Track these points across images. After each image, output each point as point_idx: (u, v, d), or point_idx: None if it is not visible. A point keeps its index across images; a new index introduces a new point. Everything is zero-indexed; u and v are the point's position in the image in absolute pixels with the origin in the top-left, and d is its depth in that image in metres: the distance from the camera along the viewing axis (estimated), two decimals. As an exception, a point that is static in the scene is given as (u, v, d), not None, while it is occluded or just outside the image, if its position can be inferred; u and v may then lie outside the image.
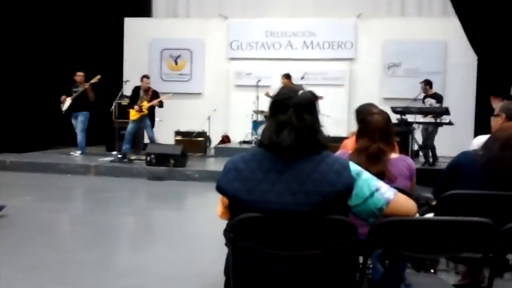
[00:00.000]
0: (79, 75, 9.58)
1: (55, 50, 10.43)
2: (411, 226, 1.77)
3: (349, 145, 3.39)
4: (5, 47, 9.94)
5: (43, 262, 3.87)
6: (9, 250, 4.19)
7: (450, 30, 10.34)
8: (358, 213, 1.72)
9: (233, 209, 1.75)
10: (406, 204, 1.76)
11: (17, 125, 9.96)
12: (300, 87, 1.85)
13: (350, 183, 1.65)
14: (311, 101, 1.78)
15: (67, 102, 9.46)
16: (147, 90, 9.21)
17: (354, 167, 1.72)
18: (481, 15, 8.95)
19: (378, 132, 2.56)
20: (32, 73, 10.22)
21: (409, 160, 2.68)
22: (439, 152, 8.67)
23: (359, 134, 2.64)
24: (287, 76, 9.56)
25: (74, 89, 9.50)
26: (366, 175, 1.73)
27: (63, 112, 9.52)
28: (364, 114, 2.78)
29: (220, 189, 1.74)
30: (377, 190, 1.71)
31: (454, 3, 9.36)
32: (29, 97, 10.16)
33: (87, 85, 9.36)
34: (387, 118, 2.69)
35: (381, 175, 2.34)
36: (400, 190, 1.81)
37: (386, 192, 1.72)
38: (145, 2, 12.61)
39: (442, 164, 8.45)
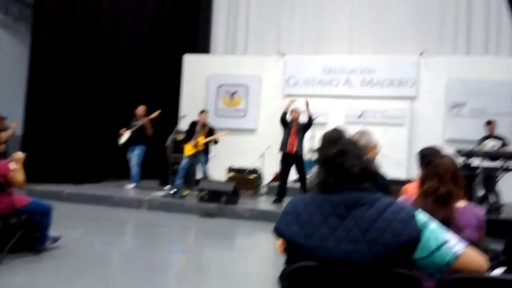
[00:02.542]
0: (140, 109, 9.79)
1: (116, 84, 10.76)
2: (481, 284, 1.62)
3: (411, 190, 3.20)
4: (68, 79, 10.39)
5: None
6: (61, 282, 4.21)
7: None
8: (424, 267, 1.58)
9: (290, 253, 1.66)
10: (476, 259, 1.60)
11: (75, 156, 10.25)
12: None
13: (416, 234, 1.55)
14: (355, 145, 1.81)
15: (126, 135, 9.66)
16: (204, 125, 9.22)
17: (420, 216, 1.59)
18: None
19: (448, 174, 2.40)
20: (92, 106, 10.57)
21: (478, 209, 2.47)
22: (507, 199, 8.04)
23: (426, 176, 2.47)
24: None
25: (133, 123, 9.71)
26: (433, 225, 1.59)
27: (120, 145, 9.69)
28: (432, 156, 2.62)
29: (278, 232, 1.69)
30: (445, 243, 1.57)
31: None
32: (88, 130, 10.46)
33: (146, 120, 9.54)
34: (456, 162, 2.55)
35: (447, 222, 2.18)
36: (470, 242, 1.70)
37: (455, 245, 1.58)
38: (205, 39, 12.91)
39: (511, 213, 7.82)
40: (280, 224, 1.69)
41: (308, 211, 1.66)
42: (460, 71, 10.55)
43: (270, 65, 11.89)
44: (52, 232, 5.19)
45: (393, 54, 11.16)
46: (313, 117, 8.63)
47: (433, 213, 2.21)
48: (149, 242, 6.14)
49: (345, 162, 1.68)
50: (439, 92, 10.67)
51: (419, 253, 1.56)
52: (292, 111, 8.71)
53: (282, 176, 8.75)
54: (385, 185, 3.01)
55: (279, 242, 1.75)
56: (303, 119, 8.73)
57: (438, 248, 1.56)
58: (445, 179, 2.38)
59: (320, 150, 1.81)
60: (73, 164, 10.18)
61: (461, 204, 2.41)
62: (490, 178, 7.84)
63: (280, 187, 8.73)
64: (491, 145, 8.13)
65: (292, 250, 1.66)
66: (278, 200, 8.61)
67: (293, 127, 8.59)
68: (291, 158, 8.52)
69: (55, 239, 5.26)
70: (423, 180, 2.48)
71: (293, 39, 12.30)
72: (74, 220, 7.16)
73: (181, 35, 12.19)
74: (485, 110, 10.15)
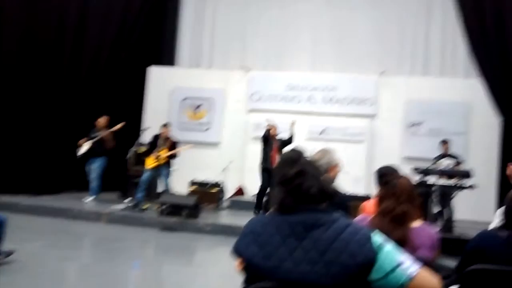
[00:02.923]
0: (102, 120, 9.61)
1: (79, 94, 10.54)
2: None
3: (369, 208, 3.27)
4: (28, 89, 10.15)
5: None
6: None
7: (474, 91, 10.21)
8: None
9: (248, 273, 1.68)
10: (430, 281, 1.65)
11: (33, 167, 9.98)
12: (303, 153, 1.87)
13: (372, 256, 1.58)
14: (314, 165, 1.84)
15: (85, 147, 9.45)
16: (166, 139, 9.17)
17: (376, 238, 1.63)
18: (505, 76, 8.83)
19: (405, 194, 2.48)
20: (53, 116, 10.34)
21: (432, 229, 2.57)
22: (461, 215, 8.33)
23: (384, 196, 2.55)
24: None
25: (94, 134, 9.53)
26: (389, 247, 1.63)
27: (79, 157, 9.49)
28: (390, 176, 2.71)
29: (236, 252, 1.71)
30: (400, 265, 1.61)
31: (478, 64, 9.28)
32: (47, 140, 10.21)
33: (108, 132, 9.39)
34: (413, 183, 2.64)
35: (402, 242, 2.26)
36: (425, 262, 1.77)
37: (409, 267, 1.61)
38: (170, 52, 12.86)
39: (464, 230, 8.10)
40: (239, 244, 1.71)
41: (267, 231, 1.67)
42: (418, 91, 10.93)
43: (234, 80, 11.97)
44: (6, 245, 5.02)
45: (354, 72, 11.45)
46: (294, 137, 9.11)
47: (389, 233, 2.29)
48: (107, 257, 6.04)
49: (304, 183, 1.70)
50: (398, 111, 11.00)
51: (374, 275, 1.59)
52: (272, 128, 9.01)
53: (262, 189, 8.85)
54: (345, 202, 3.09)
55: (237, 262, 1.76)
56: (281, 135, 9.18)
57: (393, 270, 1.59)
58: (402, 199, 2.45)
59: (279, 170, 1.80)
60: (31, 174, 9.90)
61: (416, 224, 2.49)
62: (445, 196, 8.12)
63: (259, 200, 8.82)
64: (446, 163, 8.43)
65: (250, 270, 1.67)
66: (258, 213, 8.68)
67: (274, 143, 8.87)
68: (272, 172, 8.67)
69: (8, 254, 5.06)
70: (380, 200, 2.55)
71: (257, 54, 12.43)
72: (30, 233, 6.97)
73: (146, 47, 12.10)
74: (441, 130, 10.52)
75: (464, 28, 9.33)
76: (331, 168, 3.28)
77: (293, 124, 9.15)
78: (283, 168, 1.76)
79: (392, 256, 1.62)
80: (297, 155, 1.83)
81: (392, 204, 2.44)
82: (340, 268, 1.55)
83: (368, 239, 1.61)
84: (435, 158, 8.61)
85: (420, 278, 1.61)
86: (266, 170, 8.76)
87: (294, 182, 1.71)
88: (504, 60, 8.78)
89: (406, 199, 2.47)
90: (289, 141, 9.03)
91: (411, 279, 1.59)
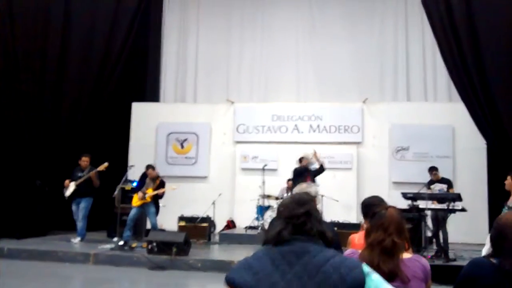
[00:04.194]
0: (84, 160, 9.47)
1: (62, 133, 10.44)
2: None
3: (357, 240, 3.23)
4: (10, 129, 10.03)
5: None
6: None
7: (457, 115, 10.37)
8: None
9: None
10: None
11: (18, 210, 9.76)
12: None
13: (361, 279, 1.65)
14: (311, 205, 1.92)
15: (71, 188, 9.27)
16: (155, 178, 9.07)
17: (365, 267, 1.69)
18: (486, 100, 8.95)
19: (393, 225, 2.44)
20: (36, 156, 10.20)
21: (423, 260, 2.51)
22: (454, 238, 8.28)
23: (372, 228, 2.50)
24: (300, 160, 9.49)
25: (79, 174, 9.37)
26: (376, 276, 1.69)
27: (66, 198, 9.32)
28: (377, 207, 2.66)
29: (228, 280, 1.74)
30: None
31: (458, 88, 9.42)
32: (31, 181, 10.04)
33: (93, 172, 9.24)
34: (401, 213, 2.58)
35: (393, 274, 2.24)
36: None
37: None
38: (153, 87, 12.87)
39: (458, 253, 8.06)
40: (232, 275, 1.74)
41: (261, 262, 1.74)
42: (402, 117, 11.06)
43: (219, 113, 12.00)
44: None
45: (338, 101, 11.58)
46: (324, 165, 9.26)
47: (380, 265, 2.26)
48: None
49: (308, 223, 1.82)
50: (383, 137, 11.08)
51: None
52: (303, 159, 9.18)
53: None
54: (336, 239, 3.05)
55: None
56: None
57: None
58: (390, 230, 2.41)
59: (287, 206, 1.91)
60: (15, 218, 9.66)
61: (406, 255, 2.45)
62: (439, 219, 8.09)
63: None
64: (439, 187, 8.40)
65: None
66: None
67: (307, 174, 8.90)
68: None
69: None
70: (368, 232, 2.50)
71: (241, 87, 12.54)
72: (15, 279, 6.71)
73: (129, 83, 12.07)
74: (427, 153, 10.60)
75: (441, 52, 9.51)
76: (314, 199, 3.29)
77: (315, 153, 9.29)
78: (293, 206, 1.89)
79: (381, 284, 1.69)
80: (307, 198, 1.99)
81: (381, 236, 2.40)
82: None
83: (358, 265, 1.71)
84: (426, 183, 8.59)
85: None
86: None
87: (300, 219, 1.83)
88: (483, 83, 8.91)
89: (395, 230, 2.42)
90: (321, 170, 9.18)
91: None
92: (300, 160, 9.23)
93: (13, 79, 10.33)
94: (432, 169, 8.68)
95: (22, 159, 10.08)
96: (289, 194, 8.75)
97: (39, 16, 10.72)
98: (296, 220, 1.83)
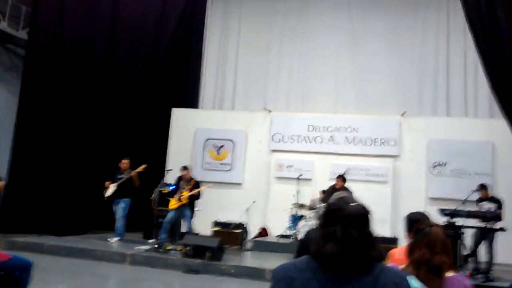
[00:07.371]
0: (124, 163, 9.78)
1: (104, 136, 10.79)
2: None
3: (398, 255, 3.19)
4: (55, 130, 10.42)
5: None
6: None
7: (497, 131, 10.13)
8: None
9: None
10: None
11: (59, 208, 10.12)
12: (352, 199, 1.79)
13: None
14: (360, 215, 1.71)
15: (111, 189, 9.58)
16: (189, 180, 9.25)
17: (413, 282, 1.68)
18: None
19: (440, 244, 2.41)
20: (79, 157, 10.56)
21: (465, 279, 2.50)
22: (495, 259, 8.06)
23: (416, 245, 2.47)
24: (342, 178, 9.52)
25: (119, 176, 9.67)
26: None
27: (106, 198, 9.61)
28: (420, 223, 2.64)
29: None
30: None
31: (500, 104, 9.22)
32: (74, 181, 10.39)
33: (133, 173, 9.51)
34: (445, 231, 2.56)
35: None
36: None
37: None
38: (193, 93, 13.14)
39: (500, 274, 7.81)
40: None
41: (303, 276, 1.62)
42: (441, 132, 10.88)
43: (256, 121, 12.12)
44: (30, 288, 5.03)
45: (376, 114, 11.51)
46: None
47: (425, 284, 2.23)
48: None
49: (369, 245, 1.65)
50: (421, 152, 10.92)
51: None
52: (338, 181, 9.51)
53: None
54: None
55: None
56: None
57: None
58: (437, 249, 2.39)
59: (346, 223, 1.69)
60: (56, 215, 10.02)
61: (449, 274, 2.44)
62: (480, 238, 7.91)
63: None
64: (487, 206, 8.18)
65: None
66: None
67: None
68: None
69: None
70: (412, 248, 2.49)
71: (279, 96, 12.64)
72: (54, 275, 6.96)
73: (170, 89, 12.39)
74: (465, 170, 10.40)
75: (484, 67, 9.34)
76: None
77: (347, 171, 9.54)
78: (352, 222, 1.68)
79: None
80: (367, 212, 1.76)
81: (428, 255, 2.37)
82: None
83: (405, 281, 1.63)
84: (476, 201, 8.39)
85: None
86: None
87: (359, 241, 1.64)
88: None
89: (441, 249, 2.40)
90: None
91: None
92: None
93: (60, 83, 10.74)
94: (482, 187, 8.47)
95: (67, 160, 10.46)
96: (323, 205, 8.77)
97: (87, 17, 11.14)
98: (356, 242, 1.64)
